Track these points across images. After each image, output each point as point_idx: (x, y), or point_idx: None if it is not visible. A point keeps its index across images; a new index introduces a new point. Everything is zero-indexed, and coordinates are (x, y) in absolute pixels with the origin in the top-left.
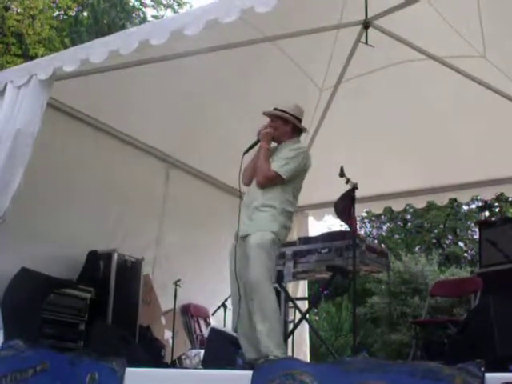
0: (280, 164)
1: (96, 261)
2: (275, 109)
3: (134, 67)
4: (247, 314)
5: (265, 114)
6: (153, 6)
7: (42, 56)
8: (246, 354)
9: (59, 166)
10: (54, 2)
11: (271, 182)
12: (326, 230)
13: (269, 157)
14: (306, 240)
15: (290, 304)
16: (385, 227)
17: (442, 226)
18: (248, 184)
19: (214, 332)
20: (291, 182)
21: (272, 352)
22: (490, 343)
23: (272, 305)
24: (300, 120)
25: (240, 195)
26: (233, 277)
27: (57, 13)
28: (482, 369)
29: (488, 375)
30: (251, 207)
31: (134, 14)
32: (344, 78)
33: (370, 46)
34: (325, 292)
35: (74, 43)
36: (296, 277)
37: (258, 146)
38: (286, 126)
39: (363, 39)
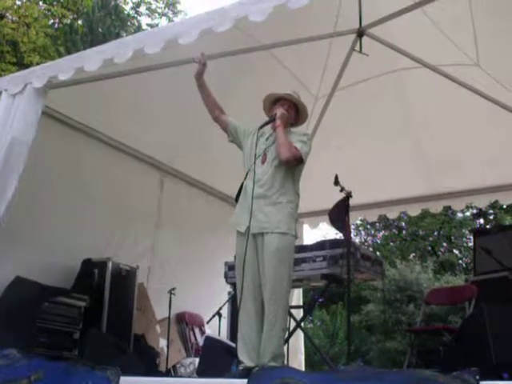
0: (298, 146)
1: (91, 269)
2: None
3: (128, 75)
4: (248, 318)
5: (288, 96)
6: (148, 15)
7: (37, 64)
8: (241, 359)
9: (54, 174)
10: (48, 11)
11: (295, 159)
12: (320, 238)
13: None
14: (301, 248)
15: None
16: (380, 235)
17: (436, 234)
18: (217, 117)
19: (209, 340)
20: (298, 173)
21: (270, 362)
22: (484, 351)
23: (286, 314)
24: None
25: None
26: (240, 276)
27: (52, 21)
28: (477, 377)
29: (483, 383)
30: (266, 200)
31: (128, 23)
32: (338, 86)
33: (364, 54)
34: (319, 300)
35: (68, 51)
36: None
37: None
38: (295, 116)
39: (357, 48)
